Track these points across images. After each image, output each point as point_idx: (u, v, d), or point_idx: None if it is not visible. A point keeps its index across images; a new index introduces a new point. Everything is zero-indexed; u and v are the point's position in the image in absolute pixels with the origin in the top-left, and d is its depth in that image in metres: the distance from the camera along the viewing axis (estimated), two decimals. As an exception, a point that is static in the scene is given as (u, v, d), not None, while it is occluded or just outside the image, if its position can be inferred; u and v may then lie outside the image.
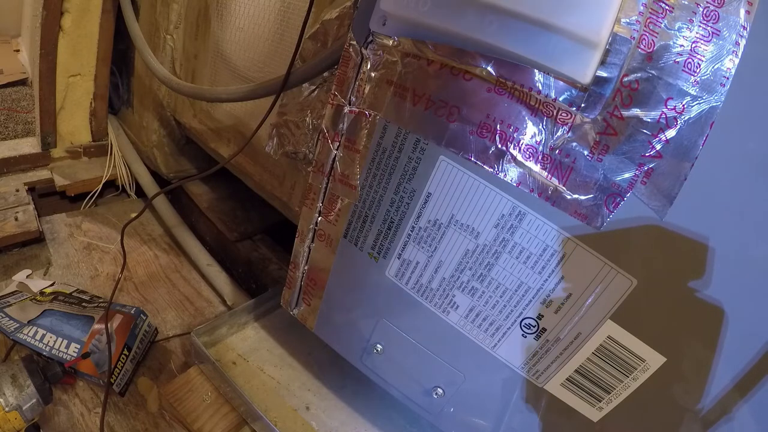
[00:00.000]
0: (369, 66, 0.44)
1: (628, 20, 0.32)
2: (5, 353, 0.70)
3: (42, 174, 1.06)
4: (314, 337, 0.62)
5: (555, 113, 0.35)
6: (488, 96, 0.37)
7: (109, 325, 0.71)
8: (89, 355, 0.67)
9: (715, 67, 0.31)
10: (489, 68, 0.36)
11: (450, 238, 0.43)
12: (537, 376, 0.44)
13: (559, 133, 0.35)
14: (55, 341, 0.68)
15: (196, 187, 1.11)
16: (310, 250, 0.56)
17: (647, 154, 0.33)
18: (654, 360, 0.38)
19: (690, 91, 0.31)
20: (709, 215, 0.33)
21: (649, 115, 0.32)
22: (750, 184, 0.32)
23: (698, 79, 0.31)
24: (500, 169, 0.38)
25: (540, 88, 0.35)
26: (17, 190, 0.99)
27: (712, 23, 0.30)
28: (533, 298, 0.41)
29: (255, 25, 0.75)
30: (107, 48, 1.08)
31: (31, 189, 1.03)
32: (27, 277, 0.83)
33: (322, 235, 0.54)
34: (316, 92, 0.60)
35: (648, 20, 0.31)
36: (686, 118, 0.31)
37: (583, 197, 0.35)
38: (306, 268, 0.57)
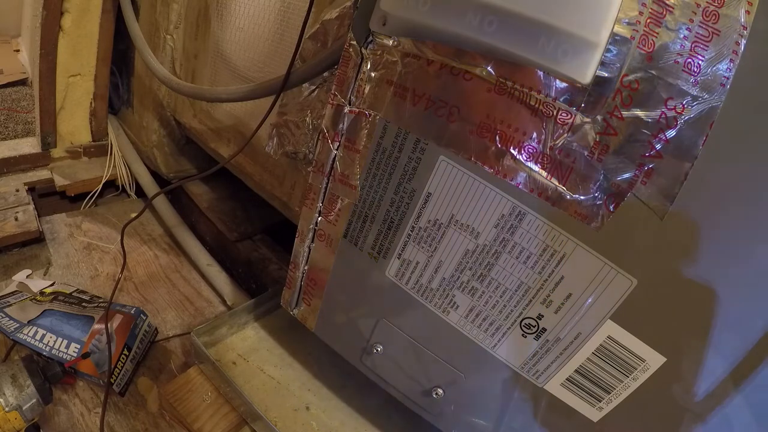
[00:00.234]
0: (369, 66, 0.44)
1: (628, 20, 0.31)
2: (5, 353, 0.70)
3: (42, 174, 1.06)
4: (314, 337, 0.62)
5: (555, 113, 0.35)
6: (488, 96, 0.37)
7: (109, 325, 0.71)
8: (89, 355, 0.67)
9: (715, 67, 0.31)
10: (489, 68, 0.36)
11: (450, 238, 0.43)
12: (537, 376, 0.44)
13: (559, 133, 0.35)
14: (55, 341, 0.68)
15: (196, 187, 1.11)
16: (310, 250, 0.56)
17: (647, 154, 0.33)
18: (654, 360, 0.38)
19: (690, 91, 0.31)
20: (709, 215, 0.33)
21: (649, 115, 0.32)
22: (750, 184, 0.32)
23: (698, 79, 0.31)
24: (500, 169, 0.38)
25: (540, 88, 0.35)
26: (17, 190, 0.99)
27: (712, 23, 0.30)
28: (533, 298, 0.41)
29: (255, 25, 0.75)
30: (107, 48, 1.08)
31: (31, 189, 1.03)
32: (27, 277, 0.83)
33: (322, 235, 0.54)
34: (316, 92, 0.60)
35: (648, 20, 0.31)
36: (686, 118, 0.31)
37: (583, 197, 0.35)
38: (306, 268, 0.57)
